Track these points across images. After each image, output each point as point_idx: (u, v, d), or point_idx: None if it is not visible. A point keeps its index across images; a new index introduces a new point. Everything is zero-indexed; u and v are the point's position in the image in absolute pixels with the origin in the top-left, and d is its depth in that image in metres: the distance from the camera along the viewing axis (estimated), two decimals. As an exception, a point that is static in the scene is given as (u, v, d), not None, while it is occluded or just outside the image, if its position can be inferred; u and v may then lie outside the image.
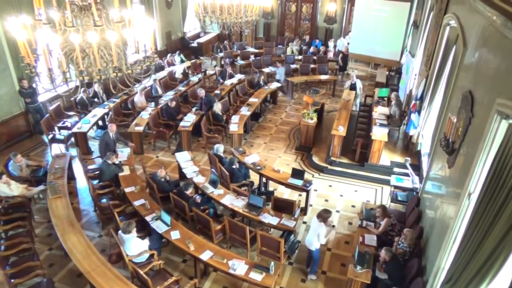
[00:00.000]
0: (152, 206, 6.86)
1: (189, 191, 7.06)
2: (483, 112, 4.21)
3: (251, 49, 17.16)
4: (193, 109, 10.79)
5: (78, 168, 8.74)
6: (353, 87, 12.28)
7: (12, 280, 5.33)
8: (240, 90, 12.64)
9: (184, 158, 8.44)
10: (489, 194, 3.40)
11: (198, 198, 6.97)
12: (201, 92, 11.07)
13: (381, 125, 9.47)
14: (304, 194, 7.86)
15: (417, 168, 8.45)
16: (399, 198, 7.60)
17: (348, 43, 16.47)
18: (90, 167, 8.33)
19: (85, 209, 7.82)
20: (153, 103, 10.91)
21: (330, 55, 16.37)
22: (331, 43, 17.17)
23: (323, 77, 14.28)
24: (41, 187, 7.48)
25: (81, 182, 8.52)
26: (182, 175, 8.16)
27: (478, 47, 5.08)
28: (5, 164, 7.72)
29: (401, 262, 5.75)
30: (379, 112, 10.45)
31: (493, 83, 4.14)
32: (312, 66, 14.94)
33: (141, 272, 5.34)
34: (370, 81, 15.19)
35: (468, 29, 5.85)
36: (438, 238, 5.10)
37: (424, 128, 8.58)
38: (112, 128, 8.61)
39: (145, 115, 10.22)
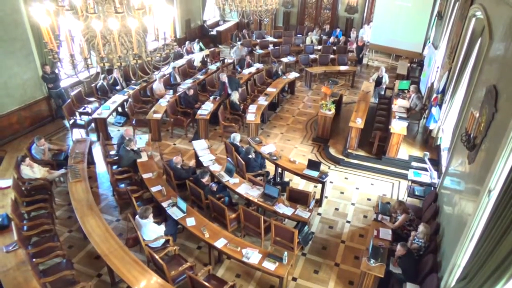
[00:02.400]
0: (169, 193, 6.96)
1: (205, 179, 7.12)
2: (507, 108, 4.08)
3: (270, 38, 17.02)
4: (211, 98, 10.82)
5: (97, 153, 8.92)
6: (379, 80, 12.07)
7: (34, 260, 5.52)
8: (258, 79, 12.59)
9: (201, 146, 8.51)
10: (510, 192, 3.31)
11: (214, 186, 7.03)
12: (223, 77, 11.11)
13: (401, 118, 9.31)
14: (319, 185, 7.83)
15: (435, 163, 8.31)
16: (416, 193, 7.50)
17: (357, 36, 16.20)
18: (110, 153, 8.49)
19: (104, 193, 7.99)
20: (171, 91, 10.98)
21: (354, 46, 16.00)
22: (353, 34, 16.82)
23: (343, 68, 14.09)
24: (62, 171, 7.68)
25: (100, 167, 8.70)
26: (199, 163, 8.23)
27: (505, 40, 4.90)
28: (28, 148, 7.94)
29: (416, 257, 5.70)
30: (399, 105, 10.27)
31: (520, 77, 4.01)
32: (331, 56, 14.74)
33: (157, 257, 5.45)
34: (390, 73, 14.86)
35: (495, 20, 5.65)
36: (455, 234, 5.02)
37: (444, 122, 8.39)
38: (128, 133, 8.38)
39: (164, 103, 10.31)
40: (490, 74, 5.30)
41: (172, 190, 7.19)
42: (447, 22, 10.61)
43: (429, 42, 13.69)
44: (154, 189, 7.04)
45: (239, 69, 13.56)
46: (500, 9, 5.34)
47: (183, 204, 6.53)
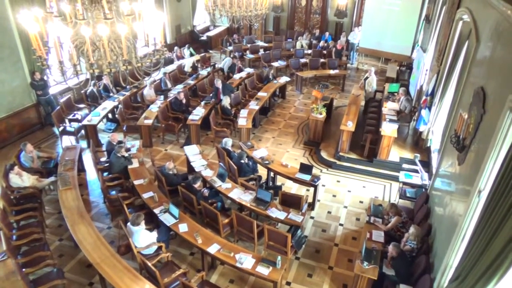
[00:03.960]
0: (161, 199, 6.92)
1: (197, 185, 7.09)
2: (495, 109, 4.14)
3: (260, 43, 17.09)
4: (202, 103, 10.81)
5: (88, 160, 8.84)
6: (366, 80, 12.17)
7: (24, 269, 5.44)
8: (249, 84, 12.62)
9: (192, 151, 8.48)
10: (499, 192, 3.35)
11: (206, 192, 7.01)
12: (218, 83, 11.16)
13: (391, 120, 9.39)
14: (312, 189, 7.85)
15: (426, 164, 8.38)
16: (408, 195, 7.56)
17: (347, 39, 16.34)
18: (100, 159, 8.42)
19: (94, 200, 7.92)
20: (162, 96, 10.95)
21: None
22: (343, 38, 16.97)
23: (333, 71, 14.18)
24: (52, 179, 7.59)
25: (91, 174, 8.61)
26: (191, 169, 8.20)
27: (491, 43, 4.99)
28: (17, 156, 7.84)
29: (409, 258, 5.73)
30: (389, 107, 10.36)
31: (506, 79, 4.07)
32: (321, 60, 14.84)
33: (149, 264, 5.40)
34: (380, 76, 14.99)
35: (482, 23, 5.75)
36: (446, 235, 5.07)
37: (434, 124, 8.48)
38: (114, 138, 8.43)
39: (154, 108, 10.26)
40: (478, 76, 5.38)
41: (164, 196, 7.14)
42: (435, 25, 10.76)
43: (418, 45, 13.86)
44: (145, 195, 6.99)
45: (231, 75, 13.57)
46: (486, 12, 5.43)
47: (175, 210, 6.49)
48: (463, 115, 5.32)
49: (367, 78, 11.98)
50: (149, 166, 8.55)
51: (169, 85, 12.08)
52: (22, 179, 7.16)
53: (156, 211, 6.62)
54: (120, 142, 8.34)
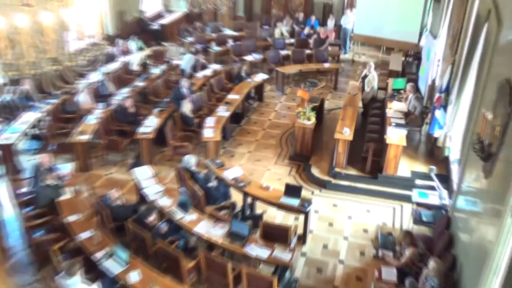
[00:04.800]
0: (103, 240, 6.79)
1: (152, 218, 7.01)
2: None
3: (229, 32, 17.22)
4: (156, 110, 10.74)
5: (3, 192, 8.59)
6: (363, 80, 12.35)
7: None
8: (216, 84, 12.66)
9: (144, 174, 8.40)
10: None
11: (163, 227, 6.94)
12: (185, 84, 11.29)
13: (398, 125, 9.56)
14: (302, 217, 7.87)
15: (445, 179, 8.55)
16: (424, 219, 7.63)
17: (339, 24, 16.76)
18: (21, 190, 8.19)
19: (13, 246, 7.67)
20: (102, 104, 10.82)
21: (331, 37, 16.41)
22: (331, 22, 17.30)
23: (322, 65, 14.39)
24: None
25: (8, 211, 8.35)
26: (142, 198, 8.09)
27: (516, 25, 5.19)
28: None
29: (429, 301, 5.78)
30: (394, 108, 10.54)
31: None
32: (307, 51, 15.05)
33: (91, 328, 5.25)
34: (382, 70, 15.31)
35: (503, 1, 5.97)
36: (475, 268, 5.14)
37: (452, 128, 8.69)
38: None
39: (92, 120, 10.13)
40: (502, 66, 5.54)
41: (108, 235, 7.01)
42: (446, 5, 11.13)
43: (426, 30, 14.29)
44: (83, 235, 6.84)
45: (193, 75, 13.58)
46: (507, -12, 5.66)
47: (123, 254, 6.38)
48: (487, 115, 5.46)
49: (366, 76, 12.10)
50: (87, 196, 8.38)
51: (111, 88, 11.97)
52: None
53: (98, 255, 6.48)
54: (51, 169, 8.14)
